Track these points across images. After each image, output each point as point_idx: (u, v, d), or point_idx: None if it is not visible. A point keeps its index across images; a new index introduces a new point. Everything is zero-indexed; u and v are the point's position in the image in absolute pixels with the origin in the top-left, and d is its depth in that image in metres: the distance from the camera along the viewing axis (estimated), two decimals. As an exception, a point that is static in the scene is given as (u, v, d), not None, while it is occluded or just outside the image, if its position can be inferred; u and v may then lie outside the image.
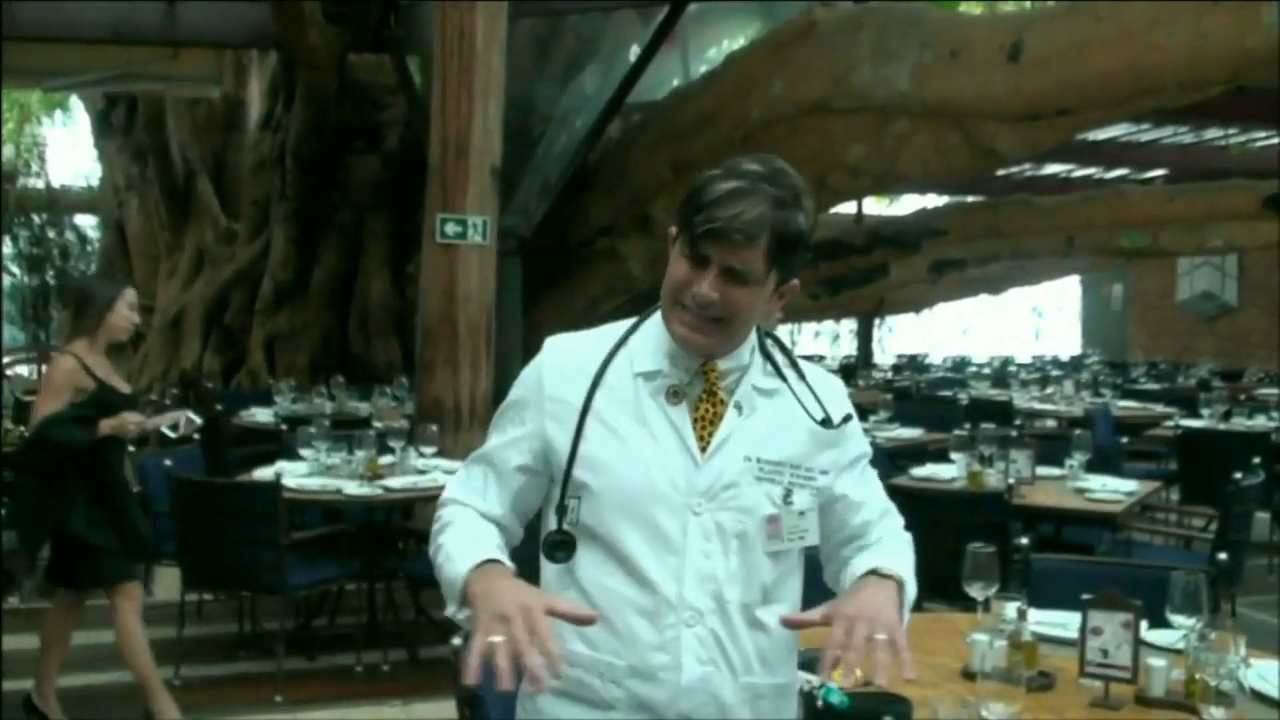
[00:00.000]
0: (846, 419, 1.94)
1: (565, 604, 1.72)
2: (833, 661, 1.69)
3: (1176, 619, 2.61)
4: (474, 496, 1.93)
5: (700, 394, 1.85)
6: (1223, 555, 4.37)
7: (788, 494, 1.84)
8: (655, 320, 1.90)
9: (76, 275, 4.33)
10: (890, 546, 1.95)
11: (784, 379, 1.91)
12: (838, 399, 1.95)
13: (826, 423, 1.89)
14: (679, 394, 1.84)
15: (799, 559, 1.95)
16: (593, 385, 1.84)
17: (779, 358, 1.93)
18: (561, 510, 1.84)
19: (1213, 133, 16.15)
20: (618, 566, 1.82)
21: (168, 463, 5.69)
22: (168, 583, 5.98)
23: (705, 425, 1.84)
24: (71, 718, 5.00)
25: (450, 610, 1.79)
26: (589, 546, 1.84)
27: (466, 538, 1.84)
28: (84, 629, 6.26)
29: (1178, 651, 2.65)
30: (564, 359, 1.90)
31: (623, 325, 1.93)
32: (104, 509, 4.64)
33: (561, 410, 1.85)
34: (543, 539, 1.89)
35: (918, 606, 5.60)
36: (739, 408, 1.85)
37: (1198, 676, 2.43)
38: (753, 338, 1.90)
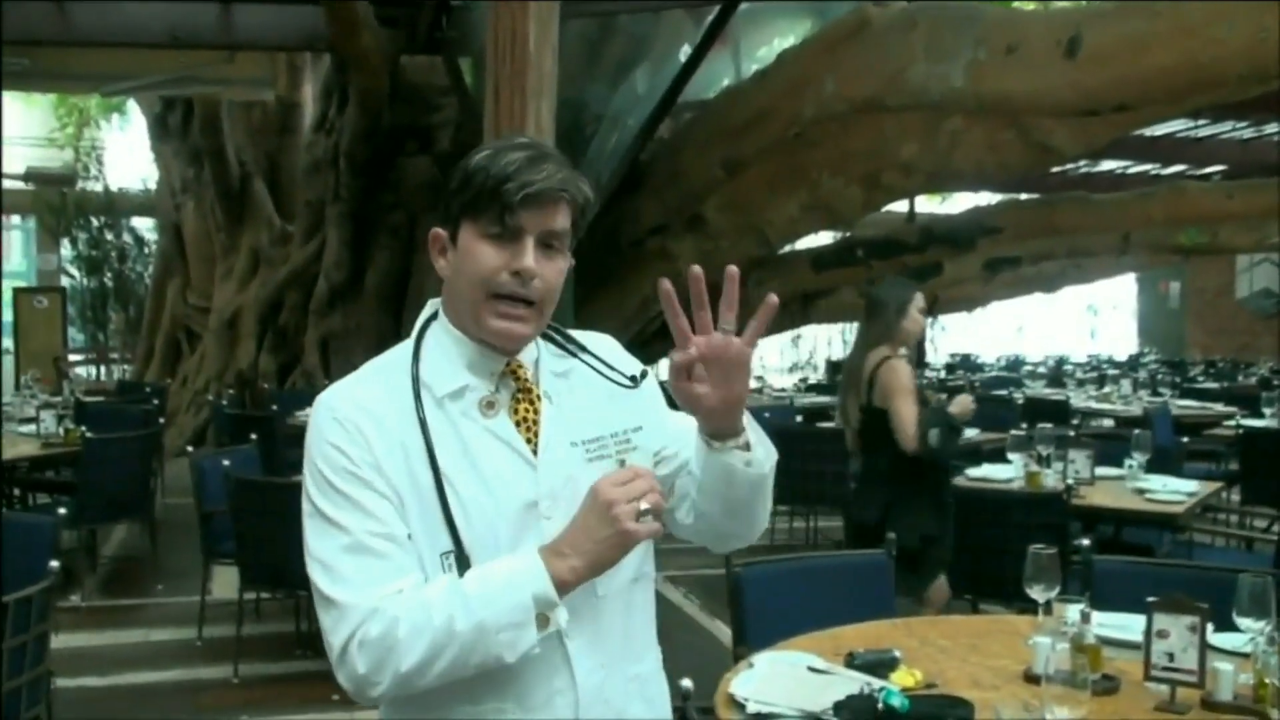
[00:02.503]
0: (644, 374, 1.87)
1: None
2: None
3: (1244, 622, 2.56)
4: (402, 576, 1.63)
5: (515, 395, 1.75)
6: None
7: (621, 464, 1.75)
8: (434, 337, 1.77)
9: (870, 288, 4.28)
10: None
11: (572, 354, 1.84)
12: (624, 359, 1.88)
13: (633, 381, 1.83)
14: (493, 404, 1.72)
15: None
16: (423, 427, 1.67)
17: (557, 337, 1.85)
18: (462, 565, 1.64)
19: (1272, 128, 15.92)
20: None
21: (225, 463, 5.75)
22: (225, 581, 6.03)
23: (530, 426, 1.74)
24: (113, 717, 5.07)
25: (532, 635, 1.59)
26: None
27: (470, 580, 1.62)
28: (123, 628, 6.37)
29: (1244, 655, 2.60)
30: (371, 410, 1.69)
31: (400, 355, 1.76)
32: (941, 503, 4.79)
33: (399, 468, 1.66)
34: None
35: (974, 607, 5.52)
36: (549, 397, 1.77)
37: (1267, 680, 2.39)
38: None
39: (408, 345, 1.77)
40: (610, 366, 1.84)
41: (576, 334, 1.88)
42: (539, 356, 1.80)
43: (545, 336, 1.83)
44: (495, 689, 1.65)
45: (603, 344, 1.89)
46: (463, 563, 1.63)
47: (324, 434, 1.67)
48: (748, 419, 1.74)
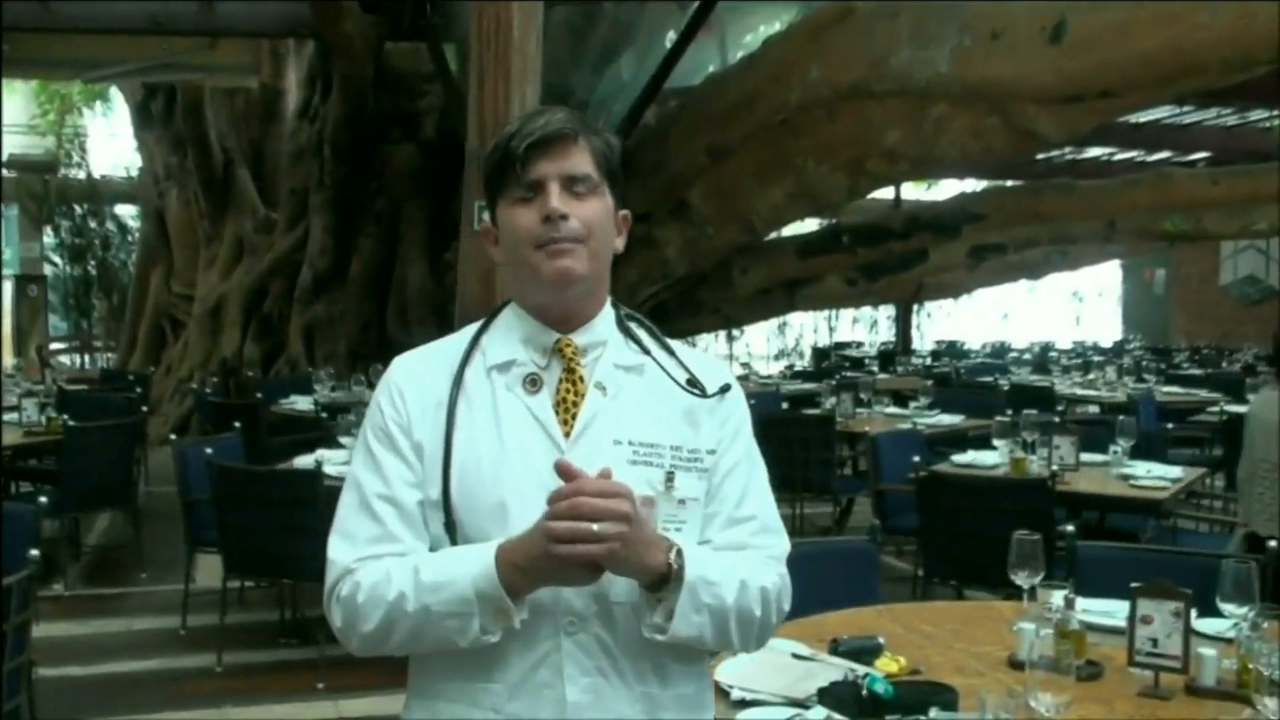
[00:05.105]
0: (725, 388, 1.78)
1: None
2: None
3: (1227, 608, 2.57)
4: (387, 544, 1.67)
5: (560, 376, 1.72)
6: (1272, 542, 4.31)
7: (669, 477, 1.68)
8: (506, 314, 1.79)
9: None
10: (730, 557, 1.71)
11: (648, 353, 1.77)
12: (714, 371, 1.80)
13: (694, 383, 1.74)
14: (536, 382, 1.71)
15: None
16: (453, 393, 1.71)
17: (641, 334, 1.80)
18: (450, 529, 1.66)
19: (1257, 114, 15.95)
20: None
21: (209, 451, 5.72)
22: (209, 570, 6.01)
23: (568, 409, 1.70)
24: (96, 707, 5.05)
25: (479, 628, 1.57)
26: None
27: (432, 561, 1.63)
28: (106, 617, 6.36)
29: (1228, 640, 2.61)
30: (418, 375, 1.75)
31: (472, 328, 1.81)
32: None
33: (429, 428, 1.70)
34: None
35: (959, 594, 5.55)
36: (601, 388, 1.71)
37: (1250, 666, 2.39)
38: (611, 312, 1.78)
39: (485, 319, 1.82)
40: (686, 369, 1.77)
41: (677, 344, 1.83)
42: (609, 344, 1.76)
43: (625, 329, 1.78)
44: (483, 669, 1.65)
45: (696, 355, 1.83)
46: (451, 530, 1.66)
47: (377, 393, 1.78)
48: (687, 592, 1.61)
